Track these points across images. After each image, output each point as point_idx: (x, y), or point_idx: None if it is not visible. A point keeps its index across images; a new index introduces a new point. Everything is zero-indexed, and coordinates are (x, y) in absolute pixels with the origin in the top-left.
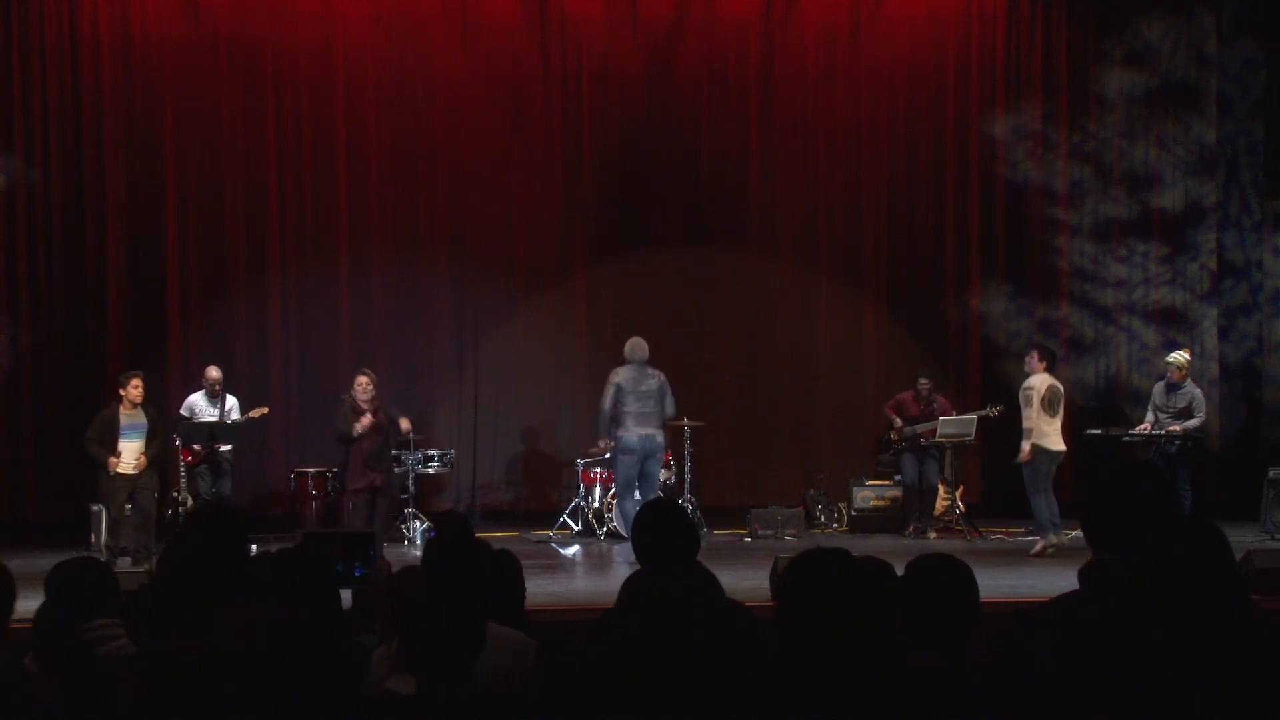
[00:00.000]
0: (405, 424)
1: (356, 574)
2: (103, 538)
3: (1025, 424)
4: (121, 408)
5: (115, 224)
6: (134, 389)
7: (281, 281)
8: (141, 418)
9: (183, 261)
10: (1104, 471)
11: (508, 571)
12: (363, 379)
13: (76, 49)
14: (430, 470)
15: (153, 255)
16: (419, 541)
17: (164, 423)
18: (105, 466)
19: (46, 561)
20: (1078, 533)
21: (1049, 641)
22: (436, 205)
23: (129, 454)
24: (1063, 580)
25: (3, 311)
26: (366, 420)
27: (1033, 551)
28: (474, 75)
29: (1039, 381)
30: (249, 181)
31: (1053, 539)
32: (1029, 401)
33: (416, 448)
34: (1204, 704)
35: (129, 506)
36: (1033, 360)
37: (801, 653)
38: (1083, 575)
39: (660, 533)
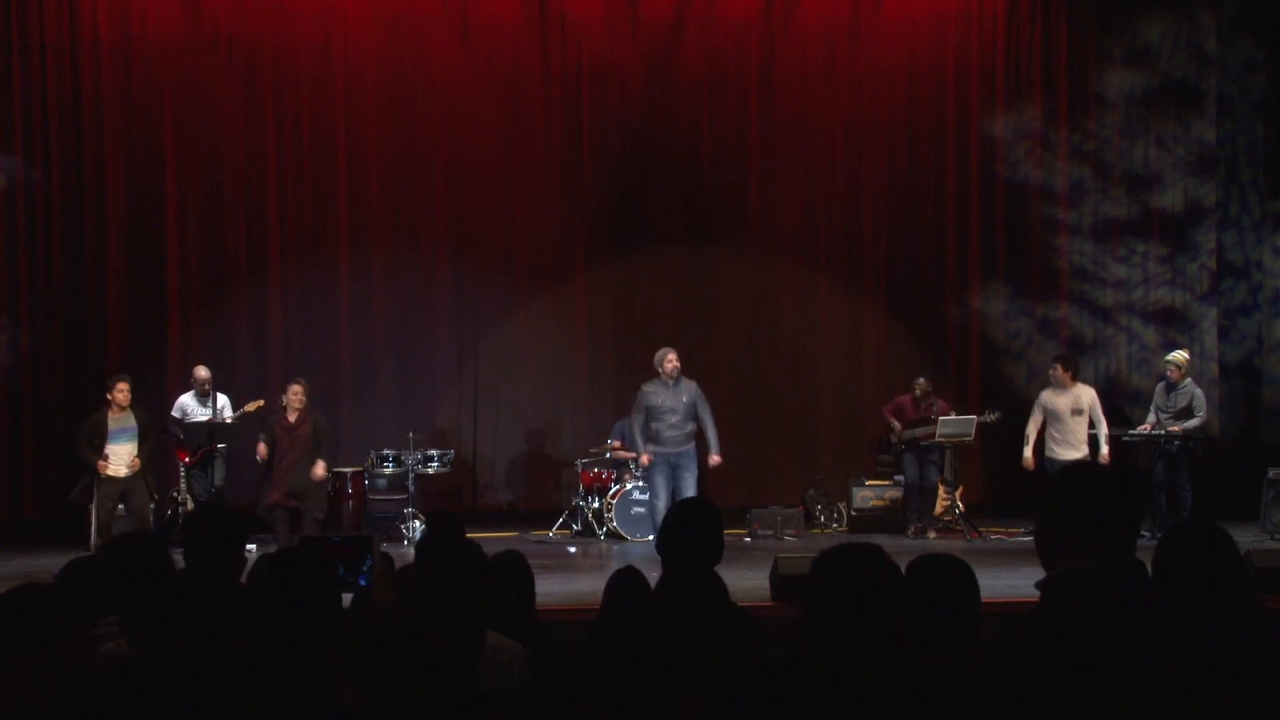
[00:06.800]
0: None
1: (362, 583)
2: (91, 539)
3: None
4: (110, 412)
5: (115, 224)
6: (120, 393)
7: (281, 281)
8: (131, 420)
9: (183, 261)
10: (1053, 483)
11: (516, 572)
12: (295, 387)
13: (76, 49)
14: (430, 470)
15: (153, 255)
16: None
17: (154, 424)
18: (95, 470)
19: (46, 561)
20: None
21: (1033, 651)
22: (436, 205)
23: (120, 457)
24: None
25: (3, 311)
26: (262, 450)
27: None
28: (474, 75)
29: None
30: (249, 181)
31: None
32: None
33: (416, 447)
34: (1211, 704)
35: (121, 508)
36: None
37: (823, 648)
38: (1044, 588)
39: (679, 535)
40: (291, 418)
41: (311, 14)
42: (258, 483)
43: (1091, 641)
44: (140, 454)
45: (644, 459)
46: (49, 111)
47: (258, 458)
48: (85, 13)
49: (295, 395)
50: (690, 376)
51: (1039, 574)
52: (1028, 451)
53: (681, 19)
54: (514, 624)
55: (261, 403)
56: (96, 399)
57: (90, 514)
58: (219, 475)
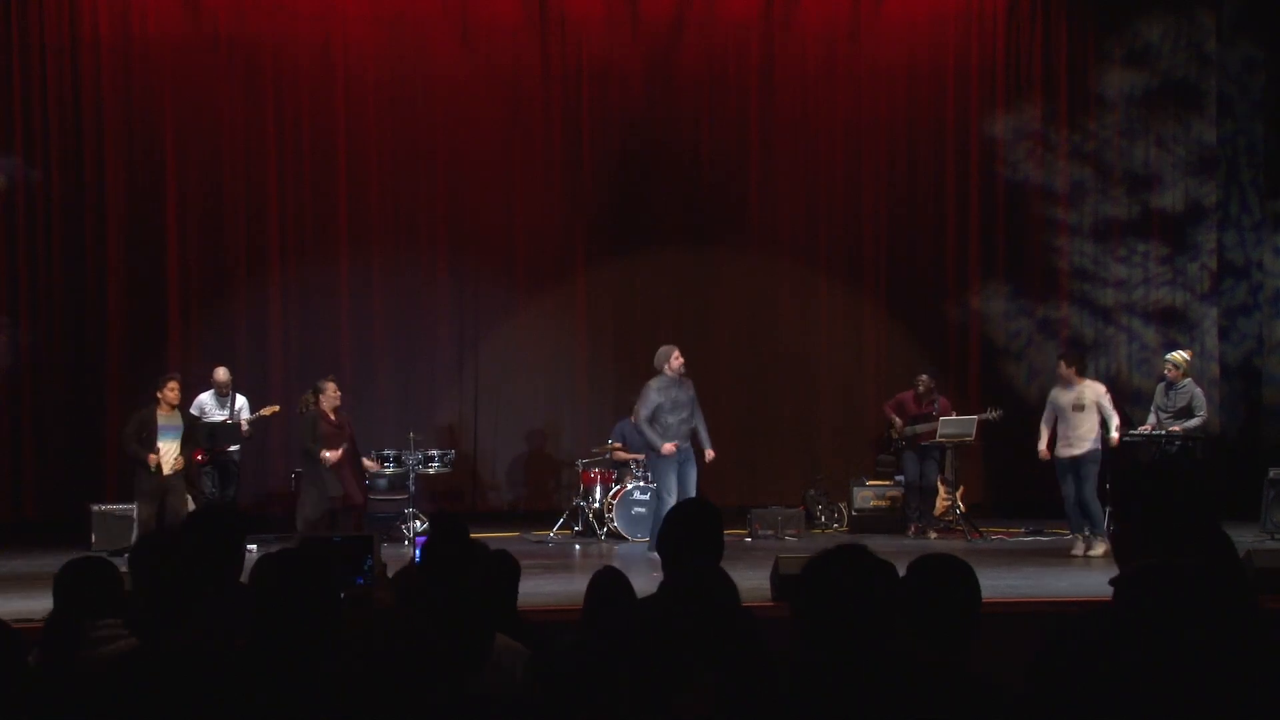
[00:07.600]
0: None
1: (358, 582)
2: (133, 537)
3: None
4: (159, 409)
5: (115, 224)
6: (171, 391)
7: (282, 281)
8: (178, 420)
9: (183, 261)
10: (1129, 480)
11: (504, 572)
12: (332, 385)
13: (76, 49)
14: (430, 470)
15: (153, 255)
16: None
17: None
18: (145, 464)
19: (46, 561)
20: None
21: (1089, 649)
22: (436, 205)
23: (164, 455)
24: (1063, 581)
25: (3, 311)
26: (336, 454)
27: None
28: (474, 75)
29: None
30: (249, 181)
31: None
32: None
33: (416, 447)
34: (1210, 705)
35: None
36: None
37: (817, 650)
38: (1117, 585)
39: (681, 533)
40: (334, 416)
41: (311, 14)
42: (260, 481)
43: (1122, 639)
44: (183, 453)
45: (668, 447)
46: (49, 111)
47: (326, 463)
48: (85, 13)
49: (336, 394)
50: (689, 377)
51: (1039, 574)
52: (1042, 444)
53: (681, 19)
54: (500, 622)
55: (277, 408)
56: (97, 398)
57: (92, 513)
58: (231, 489)
